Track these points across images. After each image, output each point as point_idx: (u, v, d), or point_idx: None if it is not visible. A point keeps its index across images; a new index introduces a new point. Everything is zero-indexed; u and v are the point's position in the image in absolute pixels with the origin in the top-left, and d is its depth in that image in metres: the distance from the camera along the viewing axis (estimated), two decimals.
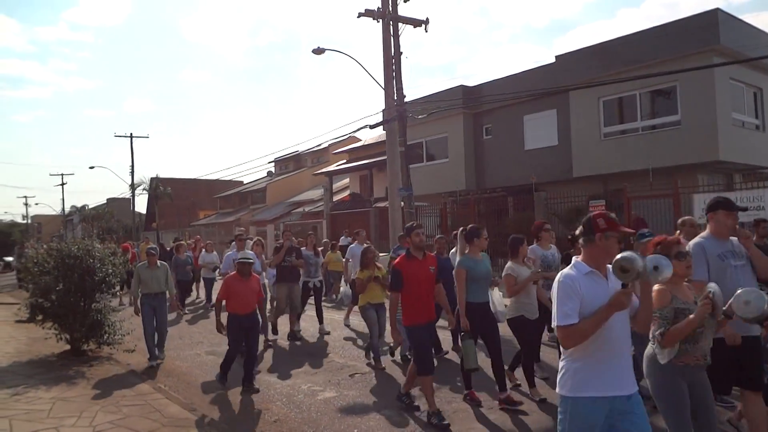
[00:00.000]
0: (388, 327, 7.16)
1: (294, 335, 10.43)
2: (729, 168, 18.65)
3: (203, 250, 15.96)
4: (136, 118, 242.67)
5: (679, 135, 18.14)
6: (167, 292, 9.08)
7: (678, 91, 18.24)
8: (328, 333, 10.76)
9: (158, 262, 9.01)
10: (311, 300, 11.42)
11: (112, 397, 6.56)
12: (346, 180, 38.02)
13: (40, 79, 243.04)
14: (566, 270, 3.15)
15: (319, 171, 39.00)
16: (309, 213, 36.00)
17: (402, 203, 17.64)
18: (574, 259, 3.22)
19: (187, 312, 14.19)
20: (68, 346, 9.08)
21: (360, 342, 9.91)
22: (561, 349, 3.15)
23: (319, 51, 18.41)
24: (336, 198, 34.61)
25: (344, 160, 37.07)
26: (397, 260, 6.01)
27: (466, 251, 6.33)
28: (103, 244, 10.33)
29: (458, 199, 22.96)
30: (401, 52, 17.41)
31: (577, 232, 3.26)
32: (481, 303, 6.14)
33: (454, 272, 6.41)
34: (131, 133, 44.83)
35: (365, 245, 9.10)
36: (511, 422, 5.62)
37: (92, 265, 9.09)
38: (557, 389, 3.14)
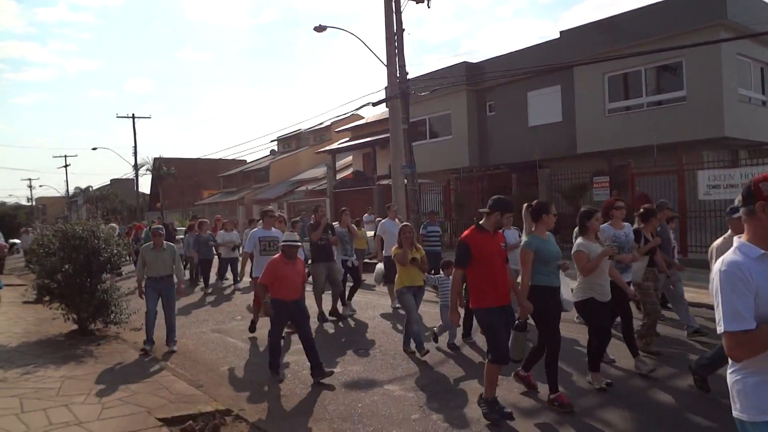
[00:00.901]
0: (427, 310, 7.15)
1: (338, 314, 9.93)
2: (734, 144, 18.53)
3: (223, 228, 15.07)
4: (138, 99, 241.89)
5: (685, 111, 18.01)
6: (174, 276, 8.47)
7: (684, 66, 18.07)
8: (353, 314, 10.17)
9: (164, 243, 8.44)
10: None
11: (120, 375, 6.64)
12: (349, 158, 37.94)
13: (41, 61, 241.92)
14: (729, 255, 2.39)
15: (322, 149, 38.93)
16: (312, 191, 36.00)
17: (405, 181, 17.63)
18: (736, 240, 2.46)
19: (210, 291, 13.89)
20: (75, 326, 9.17)
21: (357, 320, 9.96)
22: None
23: (321, 28, 18.26)
24: (339, 176, 34.57)
25: (347, 138, 36.95)
26: (466, 233, 5.24)
27: (533, 229, 5.63)
28: (106, 225, 10.25)
29: (462, 176, 22.92)
30: (403, 29, 17.27)
31: (736, 201, 2.54)
32: (553, 287, 5.45)
33: (518, 253, 5.80)
34: (133, 114, 44.76)
35: (403, 223, 8.20)
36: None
37: (97, 245, 9.14)
38: (733, 411, 2.39)
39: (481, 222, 5.26)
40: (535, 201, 5.99)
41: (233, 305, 12.20)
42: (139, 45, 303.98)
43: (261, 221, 13.67)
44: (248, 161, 54.81)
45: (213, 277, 14.86)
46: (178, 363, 7.54)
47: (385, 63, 17.57)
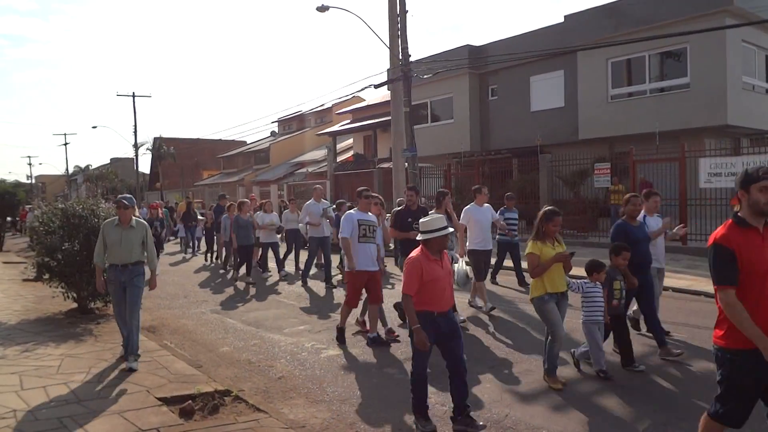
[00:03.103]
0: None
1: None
2: (737, 132, 18.47)
3: (261, 209, 13.66)
4: (139, 78, 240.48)
5: (688, 98, 17.93)
6: (144, 265, 6.60)
7: (688, 53, 17.96)
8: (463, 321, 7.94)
9: (134, 218, 6.53)
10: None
11: (119, 354, 6.66)
12: (350, 140, 37.83)
13: (42, 38, 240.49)
14: None
15: (323, 131, 38.78)
16: (312, 173, 35.94)
17: (406, 164, 17.58)
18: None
19: (253, 282, 12.34)
20: (75, 305, 9.18)
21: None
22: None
23: (323, 9, 18.10)
24: (339, 158, 34.48)
25: (348, 120, 36.80)
26: (721, 233, 3.27)
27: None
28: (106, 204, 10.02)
29: (462, 160, 22.87)
30: (407, 11, 17.14)
31: None
32: None
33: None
34: (133, 92, 44.59)
35: (547, 207, 5.85)
36: None
37: (97, 224, 9.10)
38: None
39: (739, 212, 3.32)
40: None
41: (230, 285, 12.23)
42: (142, 22, 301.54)
43: (340, 204, 12.47)
44: (248, 142, 54.66)
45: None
46: (177, 343, 7.57)
47: (388, 45, 17.43)
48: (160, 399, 5.23)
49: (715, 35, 16.30)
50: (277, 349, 7.22)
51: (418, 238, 4.72)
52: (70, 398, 5.25)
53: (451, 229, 4.75)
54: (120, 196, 6.72)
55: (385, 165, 25.88)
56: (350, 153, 35.89)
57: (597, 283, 5.80)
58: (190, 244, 19.44)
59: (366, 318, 7.64)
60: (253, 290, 11.66)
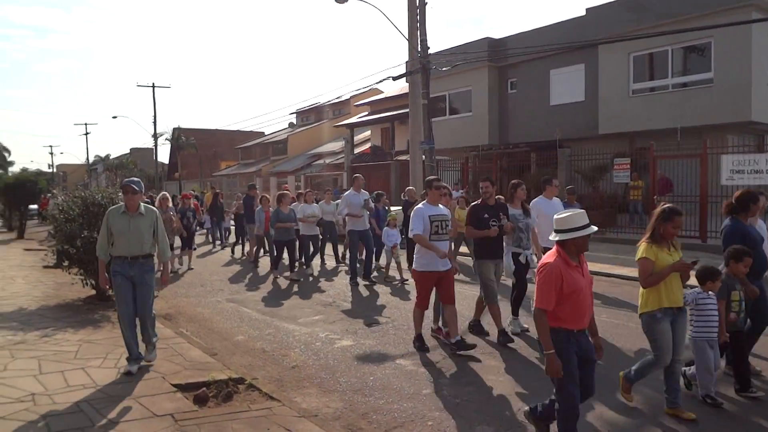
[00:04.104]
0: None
1: (505, 336, 6.78)
2: (760, 129, 18.16)
3: (303, 201, 12.87)
4: (159, 69, 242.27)
5: (711, 93, 17.64)
6: (154, 257, 6.00)
7: (712, 47, 17.66)
8: (521, 331, 7.23)
9: (143, 205, 5.88)
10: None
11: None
12: (368, 132, 37.81)
13: (64, 28, 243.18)
14: None
15: (341, 123, 38.80)
16: (330, 165, 36.00)
17: (423, 157, 17.52)
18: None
19: (297, 279, 11.47)
20: (93, 291, 9.29)
21: (379, 294, 9.98)
22: None
23: (342, 0, 18.03)
24: (357, 150, 34.48)
25: (366, 112, 36.76)
26: None
27: None
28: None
29: (480, 153, 22.76)
30: (426, 2, 17.02)
31: None
32: None
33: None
34: (153, 83, 44.89)
35: (664, 204, 4.90)
36: None
37: None
38: None
39: None
40: None
41: (247, 274, 12.30)
42: (163, 14, 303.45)
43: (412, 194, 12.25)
44: (266, 133, 54.86)
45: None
46: (193, 331, 7.64)
47: (407, 36, 17.35)
48: (174, 386, 5.28)
49: (740, 30, 16.00)
50: (291, 338, 7.25)
51: (552, 238, 3.94)
52: (88, 383, 5.32)
53: (595, 228, 3.90)
54: (126, 179, 5.94)
55: (403, 157, 25.83)
56: (368, 145, 35.88)
57: (711, 293, 4.92)
58: (218, 236, 18.84)
59: (441, 324, 7.04)
60: (283, 283, 11.28)
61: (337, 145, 39.32)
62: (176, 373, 5.63)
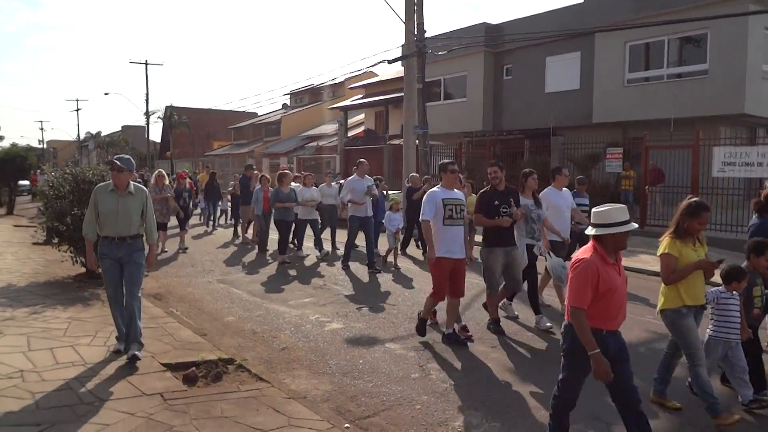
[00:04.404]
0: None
1: (497, 325, 6.76)
2: (753, 122, 18.21)
3: (302, 183, 12.68)
4: (152, 46, 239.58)
5: (705, 85, 17.66)
6: (143, 237, 5.70)
7: (708, 39, 17.63)
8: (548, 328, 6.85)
9: (132, 184, 5.59)
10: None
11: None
12: (361, 116, 37.66)
13: (57, 2, 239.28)
14: None
15: (335, 105, 38.60)
16: (323, 147, 35.88)
17: (417, 141, 17.49)
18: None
19: (288, 262, 11.33)
20: (83, 269, 9.26)
21: (371, 278, 10.01)
22: None
23: None
24: (350, 133, 34.36)
25: (360, 95, 36.59)
26: None
27: None
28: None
29: (474, 139, 22.72)
30: None
31: None
32: None
33: None
34: (146, 60, 44.40)
35: (693, 198, 4.60)
36: None
37: None
38: None
39: None
40: None
41: (239, 255, 12.30)
42: None
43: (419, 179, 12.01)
44: (259, 114, 54.54)
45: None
46: (183, 311, 7.64)
47: (403, 20, 17.22)
48: (164, 365, 5.29)
49: (736, 22, 15.99)
50: (281, 320, 7.27)
51: (589, 232, 3.71)
52: (77, 360, 5.32)
53: (635, 225, 3.69)
54: (116, 156, 5.66)
55: (396, 141, 25.76)
56: (361, 128, 35.75)
57: (735, 293, 4.71)
58: (212, 218, 18.20)
59: (463, 324, 6.63)
60: (272, 267, 11.43)
61: (330, 128, 39.17)
62: (166, 353, 5.64)
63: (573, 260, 3.72)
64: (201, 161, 47.59)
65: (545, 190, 7.70)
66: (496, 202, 6.55)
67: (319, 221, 12.78)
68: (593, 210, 3.76)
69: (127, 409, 4.34)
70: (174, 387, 4.81)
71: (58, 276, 9.29)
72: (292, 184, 12.21)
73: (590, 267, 3.55)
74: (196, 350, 5.71)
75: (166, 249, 12.71)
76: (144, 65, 44.31)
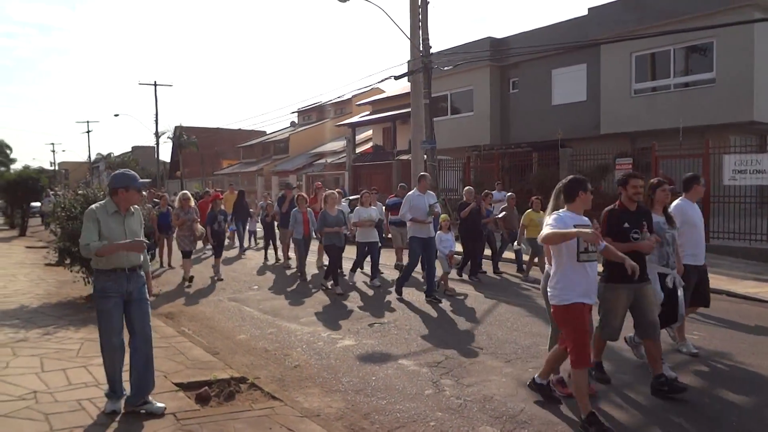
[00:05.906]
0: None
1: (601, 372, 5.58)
2: (763, 129, 18.11)
3: (359, 203, 11.14)
4: (161, 67, 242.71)
5: (713, 93, 17.61)
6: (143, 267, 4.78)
7: (714, 47, 17.63)
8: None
9: (131, 207, 4.70)
10: None
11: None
12: (369, 132, 37.81)
13: (68, 26, 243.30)
14: None
15: (342, 122, 38.78)
16: (331, 164, 35.99)
17: (425, 156, 17.52)
18: None
19: (342, 293, 9.91)
20: None
21: (382, 294, 9.97)
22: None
23: None
24: (358, 150, 34.48)
25: (367, 112, 36.76)
26: None
27: None
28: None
29: (482, 153, 22.72)
30: (428, 1, 17.03)
31: None
32: None
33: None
34: (155, 81, 44.91)
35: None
36: None
37: None
38: None
39: None
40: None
41: (251, 275, 12.29)
42: (165, 13, 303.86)
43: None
44: (268, 132, 54.85)
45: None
46: (195, 329, 7.64)
47: (409, 36, 17.34)
48: (176, 384, 5.28)
49: (742, 29, 15.98)
50: (293, 338, 7.25)
51: None
52: (90, 381, 5.32)
53: None
54: (120, 171, 4.82)
55: (404, 157, 25.82)
56: (369, 144, 35.88)
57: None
58: (244, 239, 16.63)
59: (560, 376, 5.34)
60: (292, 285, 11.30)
61: (338, 145, 39.31)
62: (178, 372, 5.63)
63: None
64: (211, 180, 47.84)
65: (677, 202, 6.33)
66: (626, 225, 5.22)
67: (379, 244, 11.23)
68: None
69: (140, 429, 4.32)
70: (186, 406, 4.79)
71: (71, 297, 9.33)
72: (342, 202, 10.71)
73: None
74: (208, 369, 5.70)
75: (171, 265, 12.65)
76: (153, 86, 44.84)
